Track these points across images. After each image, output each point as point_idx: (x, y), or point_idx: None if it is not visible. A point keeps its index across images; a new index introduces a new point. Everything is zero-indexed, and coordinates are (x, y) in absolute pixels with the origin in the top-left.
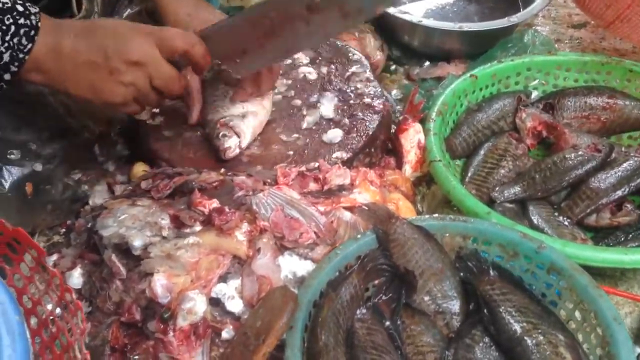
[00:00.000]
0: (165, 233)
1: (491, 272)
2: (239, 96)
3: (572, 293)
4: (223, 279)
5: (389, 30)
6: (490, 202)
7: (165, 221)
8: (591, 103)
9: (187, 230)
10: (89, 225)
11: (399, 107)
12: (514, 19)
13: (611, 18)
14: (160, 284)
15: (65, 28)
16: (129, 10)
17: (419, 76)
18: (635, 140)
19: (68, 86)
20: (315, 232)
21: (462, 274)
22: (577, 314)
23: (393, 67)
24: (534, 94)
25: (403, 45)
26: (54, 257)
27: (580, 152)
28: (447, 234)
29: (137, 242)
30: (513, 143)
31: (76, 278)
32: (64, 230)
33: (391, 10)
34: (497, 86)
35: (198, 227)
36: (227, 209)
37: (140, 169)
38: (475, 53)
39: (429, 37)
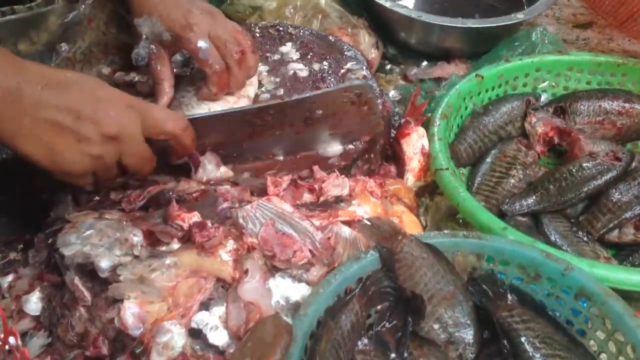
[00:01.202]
0: (137, 252)
1: (509, 297)
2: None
3: (604, 321)
4: (205, 306)
5: (384, 26)
6: (500, 215)
7: (138, 238)
8: (606, 107)
9: (163, 249)
10: (49, 241)
11: (397, 109)
12: (520, 15)
13: (624, 17)
14: (131, 313)
15: (32, 73)
16: None
17: (417, 76)
18: None
19: (17, 142)
20: (310, 250)
21: (475, 298)
22: (611, 345)
23: (388, 66)
24: (543, 97)
25: (399, 42)
26: (9, 277)
27: (598, 161)
28: (459, 253)
29: (104, 263)
30: (522, 150)
31: (34, 303)
32: (21, 246)
33: (387, 3)
34: (504, 87)
35: (176, 245)
36: (209, 224)
37: None
38: (476, 52)
39: (427, 34)
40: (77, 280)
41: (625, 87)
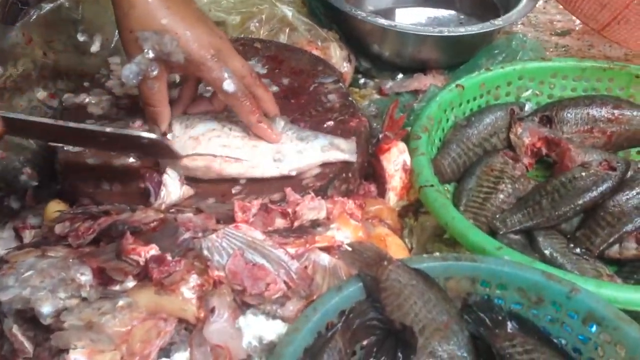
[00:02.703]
0: (85, 293)
1: (509, 324)
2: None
3: (618, 349)
4: (165, 352)
5: (355, 39)
6: (490, 233)
7: (86, 277)
8: (594, 114)
9: (116, 288)
10: None
11: (375, 124)
12: (499, 22)
13: (607, 19)
14: None
15: None
16: (37, 12)
17: (392, 90)
18: None
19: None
20: (285, 282)
21: (472, 327)
22: None
23: (362, 80)
24: (527, 106)
25: (372, 55)
26: None
27: (592, 171)
28: (452, 278)
29: (46, 308)
30: (509, 163)
31: None
32: None
33: (358, 14)
34: (486, 97)
35: (131, 283)
36: (169, 257)
37: (55, 208)
38: (453, 63)
39: (402, 44)
40: (15, 329)
41: (612, 93)
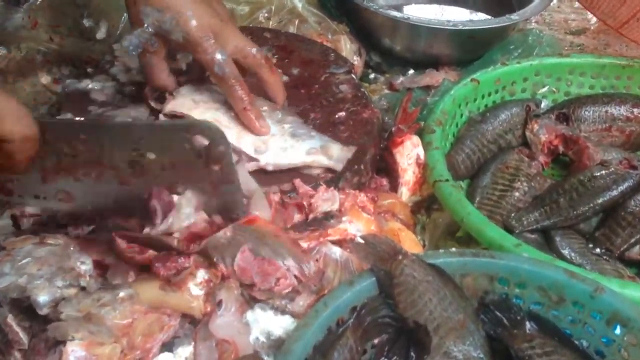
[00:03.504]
0: (84, 283)
1: (528, 325)
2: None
3: None
4: (168, 346)
5: (366, 32)
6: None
7: (86, 266)
8: (613, 113)
9: (118, 280)
10: None
11: (386, 118)
12: (515, 16)
13: (626, 17)
14: (75, 357)
15: None
16: None
17: (404, 85)
18: None
19: None
20: (295, 276)
21: (488, 327)
22: None
23: (372, 75)
24: (544, 103)
25: (383, 49)
26: None
27: (612, 169)
28: (469, 275)
29: (43, 297)
30: (525, 160)
31: None
32: None
33: (370, 5)
34: (501, 93)
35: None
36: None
37: None
38: (466, 60)
39: (414, 38)
40: (10, 319)
41: (631, 91)
